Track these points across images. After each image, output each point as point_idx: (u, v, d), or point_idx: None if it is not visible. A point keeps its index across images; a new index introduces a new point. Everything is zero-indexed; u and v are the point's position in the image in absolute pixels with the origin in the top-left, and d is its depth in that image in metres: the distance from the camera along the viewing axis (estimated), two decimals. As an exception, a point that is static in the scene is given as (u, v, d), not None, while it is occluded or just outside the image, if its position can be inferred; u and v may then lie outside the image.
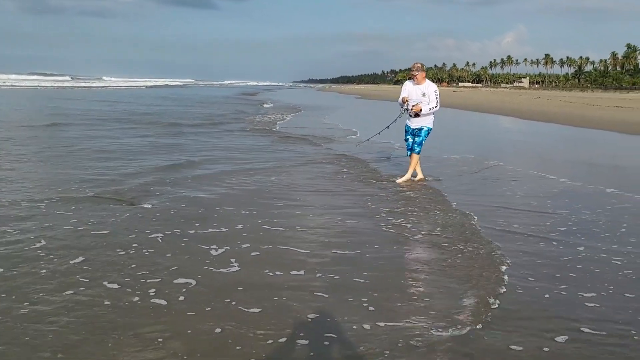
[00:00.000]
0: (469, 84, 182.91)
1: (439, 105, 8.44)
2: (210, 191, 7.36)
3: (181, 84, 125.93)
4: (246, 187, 7.78)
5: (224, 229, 5.58)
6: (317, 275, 4.35)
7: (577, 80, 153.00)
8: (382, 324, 3.49)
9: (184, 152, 11.16)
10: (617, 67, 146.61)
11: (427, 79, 8.51)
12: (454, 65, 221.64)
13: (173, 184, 7.71)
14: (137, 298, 3.81)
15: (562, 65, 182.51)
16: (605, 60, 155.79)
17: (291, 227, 5.75)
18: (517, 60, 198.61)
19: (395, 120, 9.16)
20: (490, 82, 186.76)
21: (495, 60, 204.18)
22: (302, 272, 4.42)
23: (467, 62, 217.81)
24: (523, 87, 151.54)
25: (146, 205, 6.43)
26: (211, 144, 12.80)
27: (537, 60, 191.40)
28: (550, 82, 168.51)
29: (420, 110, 8.36)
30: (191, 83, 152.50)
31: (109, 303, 3.71)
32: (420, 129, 8.59)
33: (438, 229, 5.85)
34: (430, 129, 8.68)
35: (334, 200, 7.17)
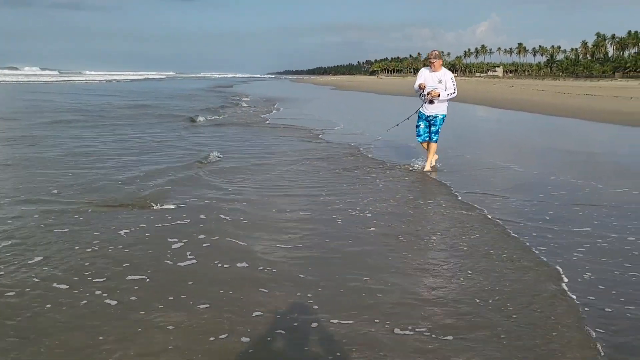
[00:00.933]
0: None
1: (456, 91, 8.57)
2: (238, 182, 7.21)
3: (163, 77, 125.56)
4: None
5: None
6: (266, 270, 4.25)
7: (549, 68, 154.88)
8: (335, 322, 3.41)
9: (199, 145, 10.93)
10: (588, 55, 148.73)
11: (443, 67, 8.60)
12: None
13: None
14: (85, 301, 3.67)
15: (534, 54, 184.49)
16: (576, 49, 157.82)
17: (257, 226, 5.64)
18: (490, 50, 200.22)
19: (407, 118, 9.30)
20: (465, 71, 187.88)
21: (469, 49, 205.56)
22: (246, 265, 4.31)
23: (442, 52, 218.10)
24: (497, 76, 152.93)
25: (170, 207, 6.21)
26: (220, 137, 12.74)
27: (511, 49, 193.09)
28: (524, 70, 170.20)
29: (439, 95, 8.45)
30: (173, 76, 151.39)
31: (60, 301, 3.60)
32: (435, 117, 8.68)
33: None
34: (445, 116, 8.76)
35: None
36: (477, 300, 3.70)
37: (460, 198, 6.78)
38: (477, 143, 12.75)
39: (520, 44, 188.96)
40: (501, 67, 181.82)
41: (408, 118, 9.44)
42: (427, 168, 8.66)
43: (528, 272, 4.29)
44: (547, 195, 6.88)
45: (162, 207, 6.05)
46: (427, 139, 8.79)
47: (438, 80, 8.50)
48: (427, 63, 8.68)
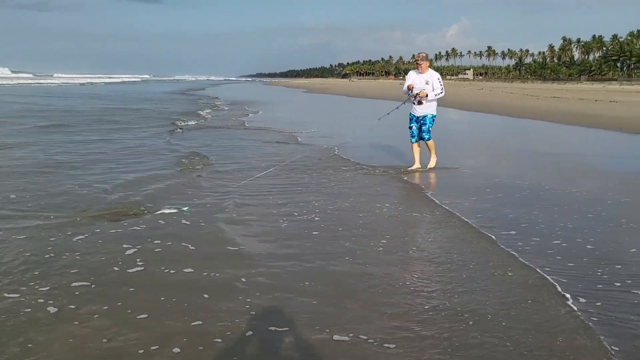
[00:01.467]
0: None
1: (444, 91, 8.92)
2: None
3: (138, 80, 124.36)
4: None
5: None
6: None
7: (518, 71, 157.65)
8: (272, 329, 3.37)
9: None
10: (555, 59, 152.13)
11: (430, 68, 8.97)
12: (401, 58, 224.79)
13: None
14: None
15: (504, 57, 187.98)
16: (544, 52, 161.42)
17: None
18: (461, 53, 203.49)
19: (397, 108, 9.57)
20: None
21: (440, 52, 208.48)
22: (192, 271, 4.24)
23: (413, 55, 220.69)
24: (467, 79, 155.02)
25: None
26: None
27: (481, 52, 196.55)
28: (493, 73, 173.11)
29: (426, 95, 8.77)
30: (148, 79, 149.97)
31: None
32: (425, 117, 8.99)
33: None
34: (435, 116, 9.10)
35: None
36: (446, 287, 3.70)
37: (439, 202, 6.79)
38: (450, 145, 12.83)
39: (489, 47, 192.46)
40: (471, 70, 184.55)
41: (398, 108, 9.62)
42: (432, 164, 9.05)
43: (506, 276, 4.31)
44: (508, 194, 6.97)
45: (155, 213, 5.95)
46: (419, 139, 9.12)
47: (425, 82, 8.82)
48: (414, 66, 9.11)
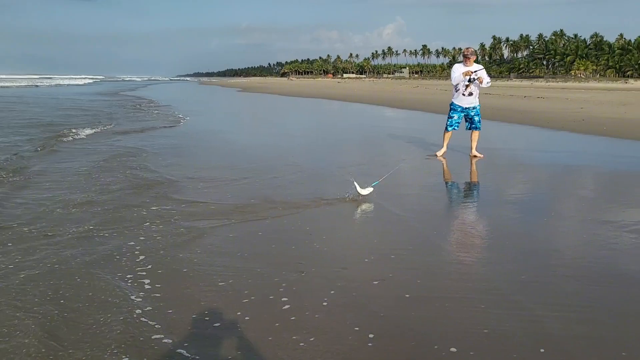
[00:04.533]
0: (354, 75, 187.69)
1: (490, 81, 9.66)
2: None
3: (91, 81, 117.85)
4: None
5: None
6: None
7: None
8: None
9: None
10: (486, 57, 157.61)
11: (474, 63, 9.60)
12: (338, 57, 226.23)
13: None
14: None
15: (438, 56, 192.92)
16: (476, 50, 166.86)
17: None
18: (397, 52, 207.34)
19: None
20: (374, 72, 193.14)
21: (377, 51, 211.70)
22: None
23: (351, 54, 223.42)
24: (404, 77, 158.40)
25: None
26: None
27: (416, 51, 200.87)
28: (429, 71, 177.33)
29: (481, 81, 9.31)
30: (103, 79, 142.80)
31: None
32: (474, 107, 9.67)
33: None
34: (480, 106, 9.83)
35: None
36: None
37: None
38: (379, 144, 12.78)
39: (424, 46, 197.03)
40: (407, 68, 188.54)
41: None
42: (474, 153, 9.68)
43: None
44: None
45: None
46: (456, 128, 9.80)
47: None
48: (462, 59, 9.65)
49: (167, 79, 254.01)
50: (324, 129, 17.00)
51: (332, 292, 3.76)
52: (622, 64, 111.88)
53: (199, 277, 4.07)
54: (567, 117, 18.31)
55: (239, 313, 3.45)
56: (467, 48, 9.72)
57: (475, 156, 9.64)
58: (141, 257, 4.46)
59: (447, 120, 9.87)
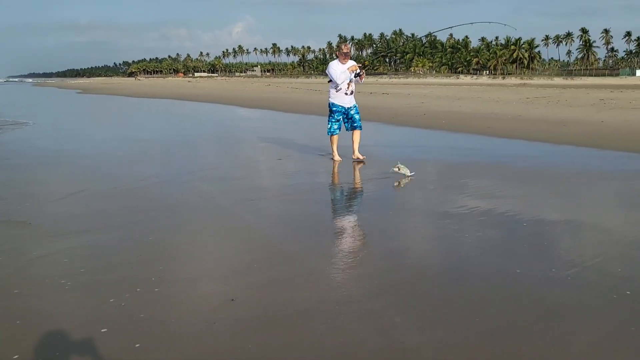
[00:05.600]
0: (205, 74, 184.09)
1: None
2: None
3: None
4: None
5: None
6: None
7: (302, 67, 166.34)
8: None
9: None
10: (333, 55, 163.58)
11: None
12: (188, 55, 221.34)
13: None
14: None
15: (288, 54, 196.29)
16: (324, 49, 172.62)
17: None
18: (248, 50, 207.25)
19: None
20: (225, 71, 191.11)
21: (227, 50, 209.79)
22: None
23: (201, 52, 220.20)
24: (256, 76, 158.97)
25: None
26: None
27: (266, 49, 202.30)
28: (280, 69, 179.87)
29: (362, 77, 8.97)
30: None
31: None
32: (355, 106, 9.18)
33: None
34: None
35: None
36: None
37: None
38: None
39: (274, 45, 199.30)
40: (259, 66, 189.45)
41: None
42: (357, 155, 9.16)
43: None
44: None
45: None
46: (339, 131, 9.20)
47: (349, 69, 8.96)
48: (338, 55, 9.03)
49: (1, 80, 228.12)
50: (169, 132, 16.11)
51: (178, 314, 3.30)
52: (453, 61, 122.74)
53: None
54: (410, 112, 19.40)
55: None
56: (346, 44, 9.28)
57: (358, 159, 9.12)
58: None
59: (330, 124, 9.14)
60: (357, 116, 9.17)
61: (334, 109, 9.10)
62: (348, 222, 5.76)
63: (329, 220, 5.85)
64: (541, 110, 18.92)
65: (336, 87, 8.95)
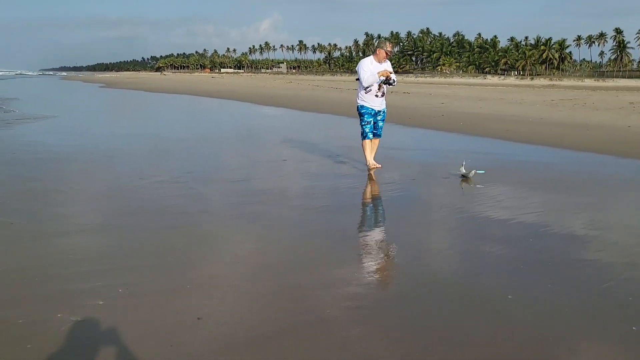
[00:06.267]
0: (231, 70, 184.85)
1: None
2: None
3: None
4: None
5: None
6: None
7: (327, 65, 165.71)
8: None
9: None
10: (360, 53, 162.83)
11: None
12: (215, 51, 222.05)
13: None
14: None
15: (314, 51, 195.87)
16: (350, 46, 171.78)
17: None
18: (274, 47, 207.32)
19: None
20: (251, 67, 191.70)
21: (254, 46, 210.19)
22: None
23: (228, 49, 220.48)
24: (281, 72, 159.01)
25: None
26: None
27: (293, 46, 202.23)
28: (306, 67, 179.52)
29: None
30: None
31: None
32: (384, 111, 8.25)
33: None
34: None
35: None
36: None
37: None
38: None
39: (301, 42, 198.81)
40: (285, 63, 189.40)
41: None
42: (374, 164, 8.10)
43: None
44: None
45: None
46: (372, 136, 8.17)
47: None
48: (378, 52, 7.85)
49: (35, 73, 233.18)
50: (174, 129, 15.95)
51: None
52: (480, 61, 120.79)
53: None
54: (428, 112, 18.92)
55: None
56: (386, 40, 8.23)
57: (375, 166, 8.13)
58: None
59: (363, 128, 8.10)
60: (381, 123, 8.25)
61: (363, 111, 8.11)
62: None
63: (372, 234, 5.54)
64: (565, 113, 18.25)
65: (366, 88, 7.98)
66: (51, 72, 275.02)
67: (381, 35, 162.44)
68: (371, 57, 8.01)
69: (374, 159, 8.19)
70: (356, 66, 8.21)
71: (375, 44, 8.17)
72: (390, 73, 7.88)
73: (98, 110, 25.11)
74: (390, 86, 8.08)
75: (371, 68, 7.85)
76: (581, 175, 8.29)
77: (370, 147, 8.18)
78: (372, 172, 8.05)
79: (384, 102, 8.20)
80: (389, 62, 8.03)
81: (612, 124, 14.77)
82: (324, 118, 18.64)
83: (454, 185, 7.53)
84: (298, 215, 5.87)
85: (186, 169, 8.42)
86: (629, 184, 7.76)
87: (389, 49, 7.88)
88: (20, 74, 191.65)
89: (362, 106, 8.12)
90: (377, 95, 8.01)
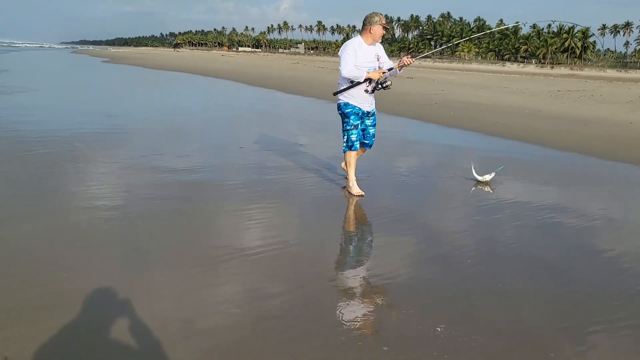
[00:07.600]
0: (249, 49, 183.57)
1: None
2: None
3: None
4: None
5: None
6: None
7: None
8: None
9: None
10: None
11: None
12: (234, 29, 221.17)
13: None
14: None
15: (333, 33, 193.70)
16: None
17: None
18: (292, 27, 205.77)
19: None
20: (269, 46, 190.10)
21: (272, 25, 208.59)
22: None
23: (247, 27, 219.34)
24: (299, 53, 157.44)
25: None
26: None
27: (311, 27, 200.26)
28: (324, 48, 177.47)
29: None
30: None
31: None
32: (374, 112, 5.98)
33: None
34: None
35: None
36: None
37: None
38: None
39: (320, 22, 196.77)
40: (303, 43, 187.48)
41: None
42: (359, 191, 5.89)
43: None
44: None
45: None
46: (359, 145, 5.95)
47: (376, 56, 5.75)
48: (371, 31, 5.63)
49: (57, 45, 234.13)
50: (145, 108, 15.09)
51: None
52: (501, 48, 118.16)
53: None
54: (421, 100, 17.87)
55: None
56: (378, 14, 5.70)
57: (359, 194, 5.89)
58: None
59: (348, 134, 5.84)
60: (372, 130, 6.01)
61: (348, 110, 5.80)
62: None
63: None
64: (567, 105, 17.06)
65: (350, 80, 5.69)
66: (69, 46, 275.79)
67: (400, 18, 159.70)
68: (359, 38, 5.73)
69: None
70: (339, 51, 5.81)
71: (365, 19, 5.71)
72: (384, 73, 5.69)
73: (79, 85, 24.21)
74: (397, 74, 5.77)
75: (359, 55, 5.61)
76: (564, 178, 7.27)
77: (356, 161, 6.06)
78: (354, 197, 5.82)
79: (374, 101, 5.96)
80: (381, 46, 5.84)
81: (613, 120, 13.63)
82: (306, 101, 17.63)
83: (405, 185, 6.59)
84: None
85: (131, 154, 7.54)
86: (600, 190, 6.75)
87: (385, 24, 5.67)
88: (41, 46, 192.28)
89: (345, 104, 5.81)
90: (366, 90, 5.76)
